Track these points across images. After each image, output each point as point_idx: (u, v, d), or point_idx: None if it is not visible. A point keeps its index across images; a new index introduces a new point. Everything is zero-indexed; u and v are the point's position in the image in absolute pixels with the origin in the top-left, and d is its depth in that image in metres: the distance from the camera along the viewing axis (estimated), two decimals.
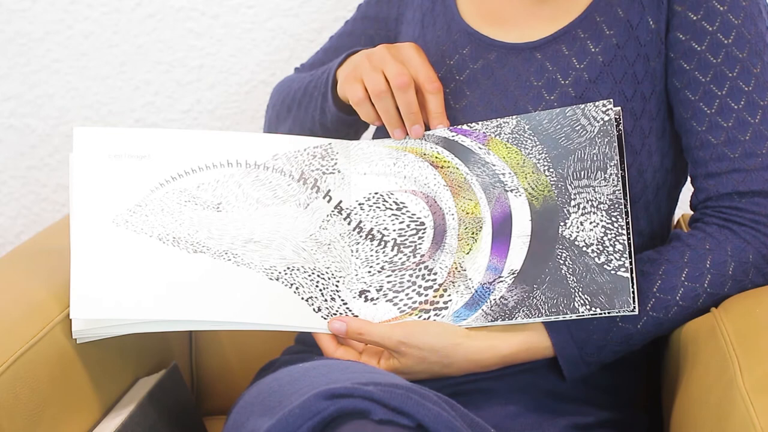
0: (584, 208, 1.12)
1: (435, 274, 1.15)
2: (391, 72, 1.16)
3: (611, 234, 1.10)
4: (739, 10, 1.14)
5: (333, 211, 1.19)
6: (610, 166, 1.12)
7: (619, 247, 1.09)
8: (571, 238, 1.11)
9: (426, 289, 1.15)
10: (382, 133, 1.27)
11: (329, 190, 1.20)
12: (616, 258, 1.09)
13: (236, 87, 1.71)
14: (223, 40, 1.69)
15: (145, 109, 1.72)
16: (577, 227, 1.11)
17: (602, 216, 1.11)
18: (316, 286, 1.15)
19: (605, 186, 1.11)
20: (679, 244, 1.14)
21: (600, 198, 1.11)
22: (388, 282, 1.16)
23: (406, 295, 1.15)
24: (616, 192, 1.11)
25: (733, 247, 1.12)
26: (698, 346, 1.09)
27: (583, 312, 1.08)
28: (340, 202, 1.20)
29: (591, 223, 1.11)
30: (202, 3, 1.68)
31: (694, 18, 1.15)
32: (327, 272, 1.16)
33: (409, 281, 1.15)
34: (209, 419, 1.35)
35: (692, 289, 1.11)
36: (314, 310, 1.14)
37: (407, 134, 1.20)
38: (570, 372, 1.13)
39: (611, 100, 1.13)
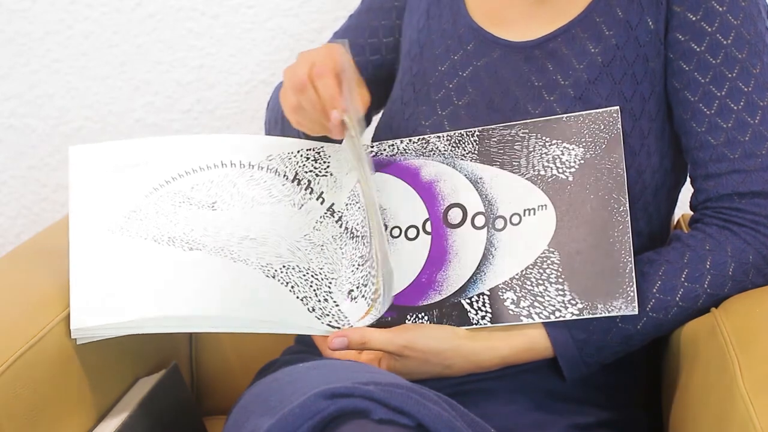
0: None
1: None
2: (301, 71, 1.11)
3: None
4: (738, 10, 1.14)
5: (326, 213, 1.19)
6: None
7: None
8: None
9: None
10: (380, 133, 1.27)
11: (322, 192, 1.20)
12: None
13: (236, 87, 1.71)
14: (223, 40, 1.69)
15: (145, 109, 1.72)
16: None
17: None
18: (310, 286, 1.15)
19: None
20: (678, 245, 1.14)
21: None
22: (363, 277, 1.16)
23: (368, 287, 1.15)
24: None
25: (733, 248, 1.12)
26: (698, 346, 1.09)
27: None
28: (332, 204, 1.20)
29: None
30: (202, 3, 1.68)
31: (694, 18, 1.15)
32: (320, 273, 1.16)
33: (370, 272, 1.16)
34: (209, 419, 1.35)
35: (692, 290, 1.11)
36: (308, 309, 1.14)
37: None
38: (570, 372, 1.13)
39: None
